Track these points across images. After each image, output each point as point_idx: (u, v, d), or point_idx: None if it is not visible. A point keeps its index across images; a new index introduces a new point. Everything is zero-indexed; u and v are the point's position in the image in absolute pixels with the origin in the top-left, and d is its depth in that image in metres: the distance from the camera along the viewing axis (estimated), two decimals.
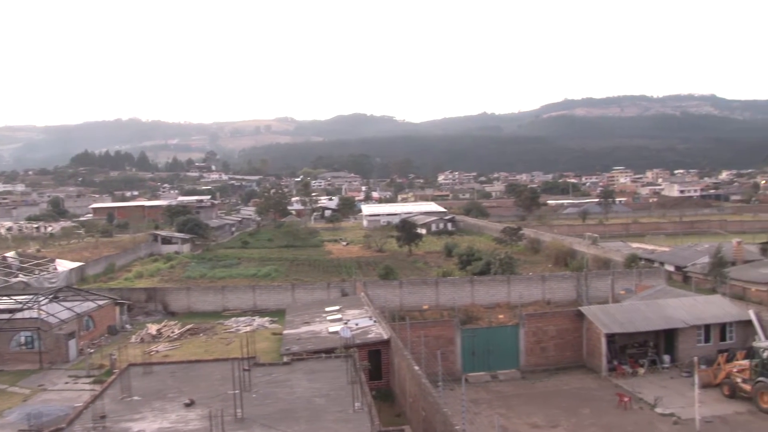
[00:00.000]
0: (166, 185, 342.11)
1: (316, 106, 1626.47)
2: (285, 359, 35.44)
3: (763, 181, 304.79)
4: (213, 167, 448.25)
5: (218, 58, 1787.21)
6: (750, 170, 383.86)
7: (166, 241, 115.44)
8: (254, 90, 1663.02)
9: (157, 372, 33.52)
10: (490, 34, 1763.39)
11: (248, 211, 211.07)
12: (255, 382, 30.28)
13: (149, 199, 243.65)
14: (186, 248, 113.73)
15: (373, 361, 37.82)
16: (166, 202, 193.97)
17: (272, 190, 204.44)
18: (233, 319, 61.47)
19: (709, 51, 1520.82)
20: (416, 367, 30.56)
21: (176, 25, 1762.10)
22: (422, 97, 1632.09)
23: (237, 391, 26.79)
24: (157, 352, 48.50)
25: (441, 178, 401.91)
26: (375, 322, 43.57)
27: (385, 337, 39.18)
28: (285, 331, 45.27)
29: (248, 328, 56.78)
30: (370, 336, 40.17)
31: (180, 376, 32.65)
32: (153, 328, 56.47)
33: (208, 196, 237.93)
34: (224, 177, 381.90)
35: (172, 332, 55.53)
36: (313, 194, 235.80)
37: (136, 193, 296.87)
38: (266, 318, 61.14)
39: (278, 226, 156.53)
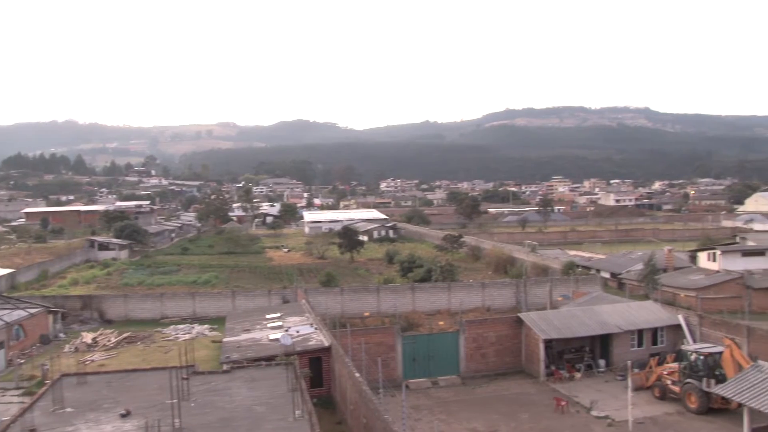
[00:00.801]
0: (103, 190, 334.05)
1: (258, 111, 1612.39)
2: (225, 367, 35.03)
3: (693, 192, 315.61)
4: (153, 172, 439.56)
5: (159, 60, 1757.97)
6: (681, 181, 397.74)
7: (103, 247, 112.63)
8: (196, 94, 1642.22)
9: (92, 382, 32.67)
10: (433, 43, 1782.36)
11: (188, 217, 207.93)
12: (194, 391, 29.85)
13: (86, 204, 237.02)
14: (124, 255, 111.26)
15: (314, 368, 37.71)
16: (103, 207, 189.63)
17: (213, 196, 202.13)
18: (172, 326, 60.45)
19: (644, 66, 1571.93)
20: (357, 374, 30.61)
21: (114, 24, 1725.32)
22: (366, 104, 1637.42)
23: (175, 401, 26.32)
24: (93, 361, 47.27)
25: (383, 185, 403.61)
26: (316, 329, 43.47)
27: (326, 344, 39.14)
28: (225, 339, 44.77)
29: (187, 336, 55.94)
30: (311, 343, 40.06)
31: (116, 386, 31.91)
32: (88, 337, 55.06)
33: (148, 202, 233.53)
34: (164, 182, 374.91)
35: (109, 341, 54.24)
36: (255, 200, 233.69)
37: (72, 197, 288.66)
38: (206, 325, 60.36)
39: (219, 232, 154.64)
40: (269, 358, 36.01)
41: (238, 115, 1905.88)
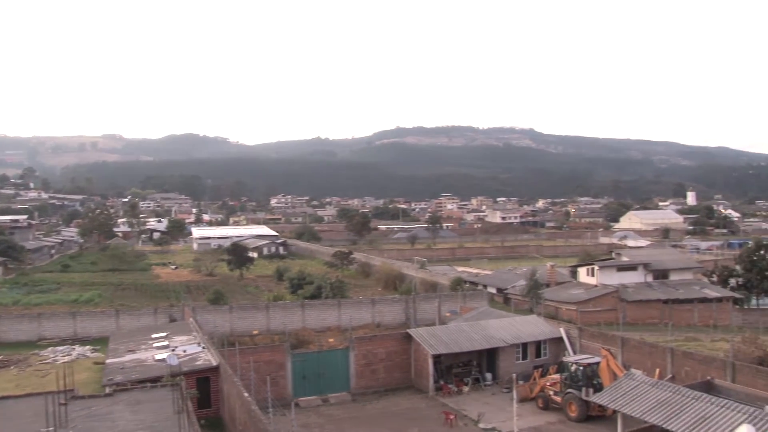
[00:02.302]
0: None
1: (147, 124, 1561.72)
2: (107, 390, 33.60)
3: (573, 210, 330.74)
4: (31, 185, 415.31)
5: (39, 65, 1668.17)
6: (562, 199, 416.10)
7: None
8: (79, 103, 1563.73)
9: None
10: (325, 59, 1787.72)
11: (70, 232, 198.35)
12: (72, 417, 28.40)
13: None
14: None
15: (202, 388, 36.81)
16: None
17: (97, 211, 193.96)
18: (50, 348, 57.40)
19: (529, 89, 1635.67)
20: (246, 394, 30.12)
21: None
22: (257, 119, 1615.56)
23: (51, 429, 25.02)
24: None
25: (274, 201, 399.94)
26: (204, 348, 42.48)
27: (214, 363, 38.31)
28: (108, 360, 42.97)
29: (67, 358, 53.27)
30: (198, 363, 39.10)
31: None
32: None
33: (25, 216, 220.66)
34: (44, 195, 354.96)
35: None
36: (142, 216, 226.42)
37: None
38: (88, 347, 57.73)
39: (103, 248, 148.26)
40: (155, 380, 34.83)
41: (124, 128, 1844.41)
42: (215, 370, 37.90)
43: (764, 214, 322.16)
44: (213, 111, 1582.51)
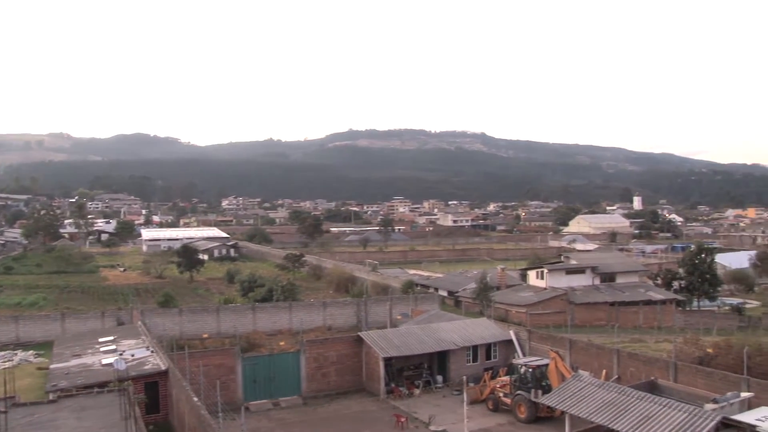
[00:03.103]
0: None
1: (95, 123, 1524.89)
2: (51, 396, 32.83)
3: (524, 214, 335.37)
4: None
5: None
6: (513, 203, 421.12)
7: None
8: (25, 100, 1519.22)
9: None
10: (277, 60, 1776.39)
11: (13, 233, 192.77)
12: (13, 426, 27.64)
13: None
14: None
15: (150, 393, 36.25)
16: None
17: (43, 211, 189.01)
18: None
19: (480, 94, 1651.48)
20: (195, 398, 29.77)
21: None
22: (209, 119, 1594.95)
23: None
24: None
25: (225, 203, 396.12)
26: (152, 352, 41.85)
27: (163, 367, 37.77)
28: (52, 366, 41.99)
29: (8, 364, 51.73)
30: (146, 367, 38.51)
31: None
32: None
33: None
34: None
35: None
36: (89, 217, 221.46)
37: None
38: (31, 351, 56.17)
39: (48, 250, 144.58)
40: (101, 385, 34.18)
41: (72, 126, 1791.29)
42: (164, 374, 37.38)
43: (705, 218, 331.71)
44: (164, 111, 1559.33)
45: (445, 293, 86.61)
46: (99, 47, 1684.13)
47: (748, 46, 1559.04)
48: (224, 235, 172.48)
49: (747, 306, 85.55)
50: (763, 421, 26.71)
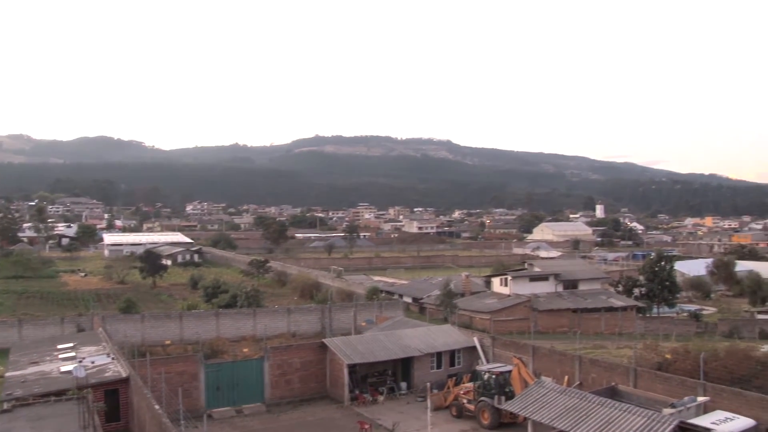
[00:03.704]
0: None
1: (57, 124, 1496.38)
2: (5, 406, 32.14)
3: (488, 221, 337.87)
4: None
5: None
6: (478, 210, 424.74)
7: None
8: None
9: None
10: (243, 65, 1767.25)
11: None
12: None
13: None
14: None
15: (111, 401, 35.70)
16: None
17: (0, 215, 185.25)
18: None
19: (447, 101, 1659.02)
20: (157, 406, 29.40)
21: None
22: (174, 124, 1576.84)
23: None
24: None
25: (189, 208, 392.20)
26: (113, 359, 41.25)
27: (124, 375, 37.25)
28: (8, 374, 41.08)
29: None
30: (107, 374, 37.94)
31: None
32: None
33: None
34: None
35: None
36: (50, 220, 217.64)
37: None
38: None
39: (6, 254, 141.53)
40: (59, 393, 33.57)
41: (33, 128, 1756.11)
42: (125, 381, 36.86)
43: (665, 227, 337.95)
44: (128, 114, 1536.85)
45: (409, 300, 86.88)
46: (62, 47, 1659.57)
47: (707, 61, 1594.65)
48: (188, 240, 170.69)
49: (704, 312, 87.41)
50: (717, 425, 27.38)
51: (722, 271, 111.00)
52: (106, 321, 59.61)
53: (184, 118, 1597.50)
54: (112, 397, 36.17)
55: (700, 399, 30.82)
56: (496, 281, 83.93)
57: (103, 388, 35.91)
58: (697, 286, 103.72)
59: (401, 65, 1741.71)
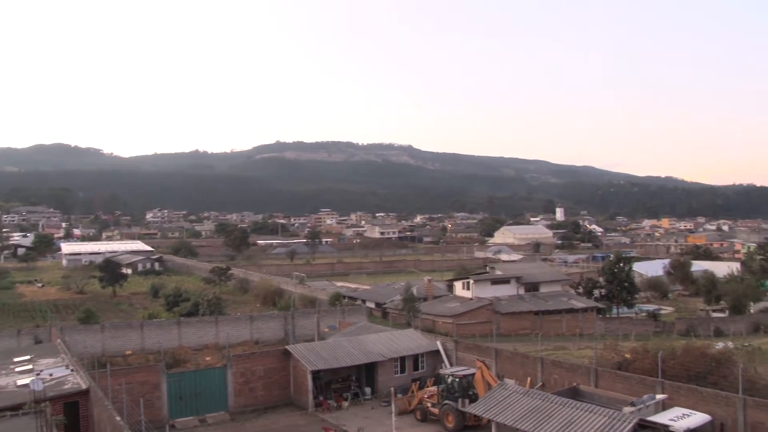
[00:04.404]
0: None
1: (11, 132, 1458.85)
2: None
3: (450, 225, 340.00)
4: None
5: None
6: (439, 215, 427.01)
7: None
8: None
9: None
10: (202, 70, 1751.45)
11: None
12: None
13: None
14: None
15: (70, 414, 35.04)
16: None
17: None
18: None
19: (408, 107, 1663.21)
20: (118, 418, 29.00)
21: None
22: (133, 130, 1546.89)
23: None
24: None
25: (149, 216, 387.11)
26: (72, 371, 40.52)
27: (84, 387, 36.62)
28: None
29: None
30: (66, 387, 37.26)
31: None
32: None
33: None
34: None
35: None
36: (5, 230, 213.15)
37: None
38: None
39: None
40: (15, 408, 32.84)
41: None
42: (85, 393, 36.23)
43: (624, 229, 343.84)
44: (86, 120, 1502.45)
45: (372, 305, 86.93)
46: (15, 51, 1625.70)
47: (662, 66, 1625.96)
48: (149, 248, 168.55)
49: (662, 312, 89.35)
50: (675, 421, 28.01)
51: (679, 271, 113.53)
52: (65, 332, 58.56)
53: (144, 124, 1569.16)
54: (71, 410, 35.51)
55: (659, 397, 31.45)
56: (458, 285, 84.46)
57: (61, 401, 35.23)
58: (655, 286, 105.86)
59: (362, 71, 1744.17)
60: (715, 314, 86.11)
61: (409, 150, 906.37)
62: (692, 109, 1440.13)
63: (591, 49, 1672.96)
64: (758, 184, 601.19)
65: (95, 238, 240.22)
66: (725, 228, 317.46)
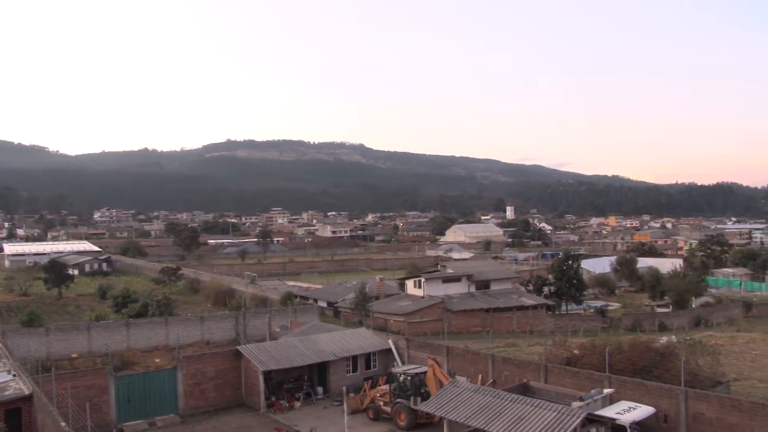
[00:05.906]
0: None
1: None
2: None
3: (401, 224, 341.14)
4: None
5: None
6: (391, 213, 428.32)
7: None
8: None
9: None
10: (151, 67, 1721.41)
11: None
12: None
13: None
14: None
15: (12, 421, 34.08)
16: None
17: None
18: None
19: (359, 106, 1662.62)
20: (63, 423, 28.32)
21: None
22: (79, 127, 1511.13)
23: None
24: None
25: (97, 215, 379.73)
26: (15, 376, 39.42)
27: (27, 392, 35.66)
28: None
29: None
30: (7, 393, 36.22)
31: None
32: None
33: None
34: None
35: None
36: None
37: None
38: None
39: None
40: None
41: None
42: (28, 399, 35.27)
43: (572, 227, 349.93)
44: (30, 117, 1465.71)
45: (324, 304, 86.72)
46: None
47: (608, 66, 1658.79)
48: (96, 248, 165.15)
49: (609, 308, 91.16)
50: (622, 414, 28.72)
51: (625, 268, 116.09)
52: (7, 335, 56.99)
53: (91, 121, 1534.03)
54: (13, 417, 34.55)
55: (606, 391, 32.09)
56: (410, 283, 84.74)
57: (3, 408, 34.24)
58: (603, 283, 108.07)
59: (312, 69, 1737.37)
60: (659, 309, 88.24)
61: (360, 149, 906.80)
62: (637, 109, 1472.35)
63: (538, 49, 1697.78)
64: (699, 183, 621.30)
65: (40, 238, 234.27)
66: (669, 226, 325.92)
